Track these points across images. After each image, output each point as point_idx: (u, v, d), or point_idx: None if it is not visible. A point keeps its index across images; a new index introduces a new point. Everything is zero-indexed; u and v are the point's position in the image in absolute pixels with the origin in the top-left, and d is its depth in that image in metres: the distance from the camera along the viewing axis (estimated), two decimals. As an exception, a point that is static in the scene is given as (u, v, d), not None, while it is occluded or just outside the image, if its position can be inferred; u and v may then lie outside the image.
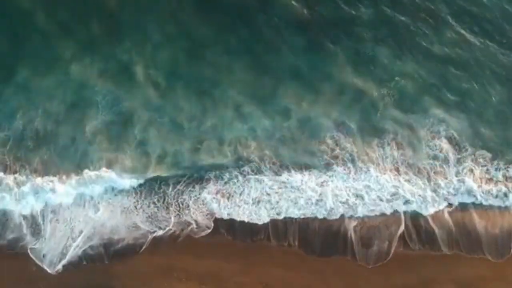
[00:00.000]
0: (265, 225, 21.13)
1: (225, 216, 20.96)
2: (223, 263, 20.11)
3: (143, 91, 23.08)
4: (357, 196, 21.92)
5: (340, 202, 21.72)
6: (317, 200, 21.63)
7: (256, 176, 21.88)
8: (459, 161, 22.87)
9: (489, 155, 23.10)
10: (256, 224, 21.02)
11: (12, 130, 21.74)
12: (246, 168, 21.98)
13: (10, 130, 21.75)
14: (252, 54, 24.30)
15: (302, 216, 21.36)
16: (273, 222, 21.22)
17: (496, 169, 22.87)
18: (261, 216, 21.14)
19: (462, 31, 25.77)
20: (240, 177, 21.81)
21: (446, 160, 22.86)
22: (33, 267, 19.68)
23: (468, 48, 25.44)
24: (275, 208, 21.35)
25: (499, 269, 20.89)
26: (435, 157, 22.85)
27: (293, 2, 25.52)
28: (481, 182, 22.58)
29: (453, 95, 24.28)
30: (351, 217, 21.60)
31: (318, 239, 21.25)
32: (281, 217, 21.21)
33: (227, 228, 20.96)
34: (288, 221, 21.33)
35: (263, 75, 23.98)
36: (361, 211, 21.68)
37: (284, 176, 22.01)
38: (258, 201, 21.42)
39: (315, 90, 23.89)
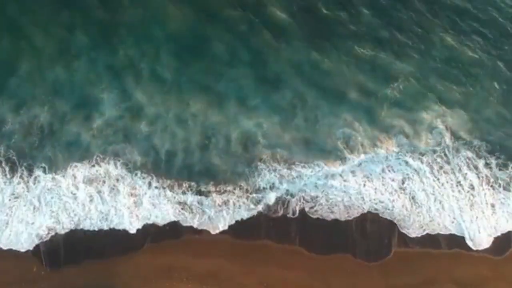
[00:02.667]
0: (266, 224, 21.16)
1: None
2: (224, 263, 20.14)
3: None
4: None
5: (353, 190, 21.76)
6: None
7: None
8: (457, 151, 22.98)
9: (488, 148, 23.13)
10: (257, 223, 21.04)
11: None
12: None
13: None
14: (253, 52, 24.18)
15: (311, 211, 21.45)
16: (274, 219, 21.22)
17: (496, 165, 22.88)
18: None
19: (462, 32, 25.89)
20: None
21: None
22: (33, 267, 19.75)
23: (469, 47, 25.48)
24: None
25: (499, 269, 20.92)
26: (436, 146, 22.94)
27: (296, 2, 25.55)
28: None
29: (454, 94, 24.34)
30: (354, 210, 21.57)
31: (319, 236, 21.27)
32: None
33: (228, 228, 20.90)
34: (289, 218, 21.29)
35: (265, 73, 23.89)
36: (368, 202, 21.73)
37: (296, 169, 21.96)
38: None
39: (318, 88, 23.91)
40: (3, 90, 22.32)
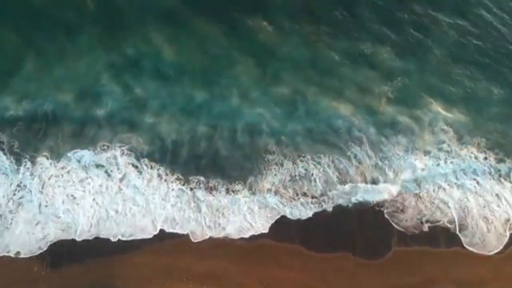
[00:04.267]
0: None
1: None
2: (224, 263, 20.12)
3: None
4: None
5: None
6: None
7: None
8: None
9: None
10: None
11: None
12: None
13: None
14: (255, 50, 24.25)
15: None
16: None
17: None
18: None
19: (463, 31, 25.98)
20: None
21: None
22: (34, 267, 19.69)
23: (469, 45, 25.59)
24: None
25: (499, 269, 20.96)
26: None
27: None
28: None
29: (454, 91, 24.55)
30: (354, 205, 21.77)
31: (319, 235, 21.25)
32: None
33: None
34: (289, 217, 21.32)
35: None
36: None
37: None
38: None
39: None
40: (7, 86, 22.31)
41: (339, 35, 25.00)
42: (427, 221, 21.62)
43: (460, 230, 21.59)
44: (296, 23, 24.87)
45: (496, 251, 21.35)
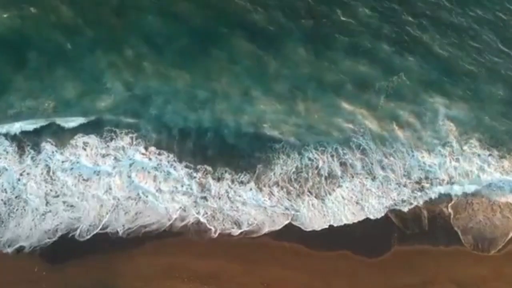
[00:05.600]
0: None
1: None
2: (225, 263, 20.18)
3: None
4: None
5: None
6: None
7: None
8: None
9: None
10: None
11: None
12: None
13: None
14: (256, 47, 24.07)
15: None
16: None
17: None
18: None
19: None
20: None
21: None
22: (35, 267, 19.72)
23: (469, 44, 25.57)
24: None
25: (499, 269, 21.09)
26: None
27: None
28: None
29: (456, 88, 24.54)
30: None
31: (320, 233, 21.22)
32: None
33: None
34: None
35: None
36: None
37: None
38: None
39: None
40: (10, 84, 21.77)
41: (339, 32, 24.87)
42: (424, 208, 21.75)
43: (456, 215, 21.95)
44: (296, 22, 24.76)
45: (500, 245, 21.65)
